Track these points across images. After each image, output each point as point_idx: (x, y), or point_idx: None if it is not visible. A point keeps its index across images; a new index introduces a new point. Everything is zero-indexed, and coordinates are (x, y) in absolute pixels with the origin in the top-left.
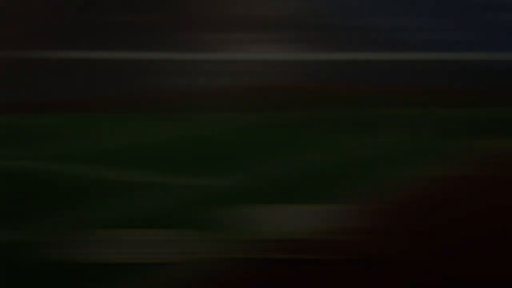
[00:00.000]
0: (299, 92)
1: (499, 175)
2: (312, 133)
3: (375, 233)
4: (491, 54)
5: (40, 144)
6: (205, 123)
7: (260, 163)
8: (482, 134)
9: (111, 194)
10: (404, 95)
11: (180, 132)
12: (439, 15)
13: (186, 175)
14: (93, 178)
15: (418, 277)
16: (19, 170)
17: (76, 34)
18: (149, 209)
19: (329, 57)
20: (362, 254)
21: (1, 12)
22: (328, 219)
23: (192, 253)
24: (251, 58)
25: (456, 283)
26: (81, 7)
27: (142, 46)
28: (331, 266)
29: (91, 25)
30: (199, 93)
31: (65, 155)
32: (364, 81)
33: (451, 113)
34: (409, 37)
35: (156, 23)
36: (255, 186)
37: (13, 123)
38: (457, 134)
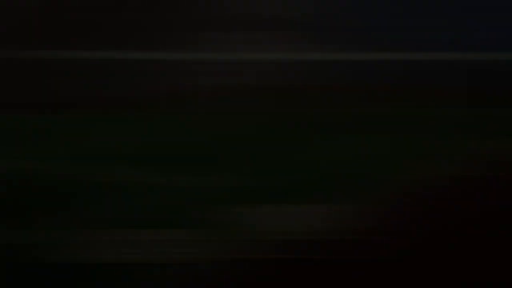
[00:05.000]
0: (299, 92)
1: (499, 175)
2: (312, 133)
3: (375, 233)
4: (491, 54)
5: (39, 144)
6: (205, 123)
7: (260, 163)
8: (482, 134)
9: (111, 194)
10: (404, 95)
11: (180, 132)
12: (439, 15)
13: (186, 175)
14: (93, 178)
15: (419, 278)
16: (18, 170)
17: (75, 33)
18: (149, 209)
19: (329, 57)
20: (362, 254)
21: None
22: (328, 219)
23: (192, 253)
24: (251, 58)
25: (457, 283)
26: (80, 6)
27: (142, 46)
28: (331, 266)
29: (89, 25)
30: (199, 93)
31: (65, 155)
32: (364, 81)
33: (451, 113)
34: (409, 37)
35: (156, 23)
36: (255, 186)
37: (11, 123)
38: (457, 134)
